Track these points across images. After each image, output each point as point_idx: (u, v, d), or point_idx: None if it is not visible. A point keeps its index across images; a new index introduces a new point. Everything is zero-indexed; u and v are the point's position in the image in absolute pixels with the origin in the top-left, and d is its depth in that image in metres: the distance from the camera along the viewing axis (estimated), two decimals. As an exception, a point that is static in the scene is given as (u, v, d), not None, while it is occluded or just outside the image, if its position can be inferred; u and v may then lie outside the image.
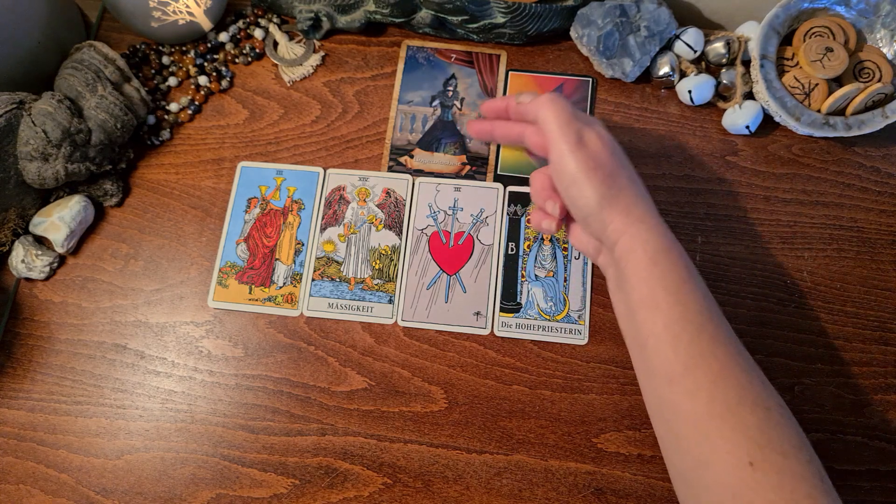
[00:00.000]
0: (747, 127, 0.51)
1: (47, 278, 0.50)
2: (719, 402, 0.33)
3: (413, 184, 0.52)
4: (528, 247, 0.50)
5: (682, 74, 0.53)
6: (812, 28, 0.50)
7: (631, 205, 0.38)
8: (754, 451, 0.32)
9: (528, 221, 0.50)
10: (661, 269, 0.37)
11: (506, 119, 0.45)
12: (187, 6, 0.51)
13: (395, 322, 0.48)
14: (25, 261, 0.49)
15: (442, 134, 0.53)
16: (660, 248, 0.37)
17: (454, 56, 0.56)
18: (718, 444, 0.33)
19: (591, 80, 0.54)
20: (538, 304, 0.48)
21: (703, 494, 0.33)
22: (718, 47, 0.52)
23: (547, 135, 0.40)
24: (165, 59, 0.56)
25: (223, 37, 0.56)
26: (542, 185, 0.43)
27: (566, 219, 0.44)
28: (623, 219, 0.38)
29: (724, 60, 0.52)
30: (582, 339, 0.48)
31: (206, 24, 0.55)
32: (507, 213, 0.51)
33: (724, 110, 0.52)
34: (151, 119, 0.54)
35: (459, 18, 0.53)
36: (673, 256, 0.37)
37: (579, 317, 0.48)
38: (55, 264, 0.50)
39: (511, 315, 0.48)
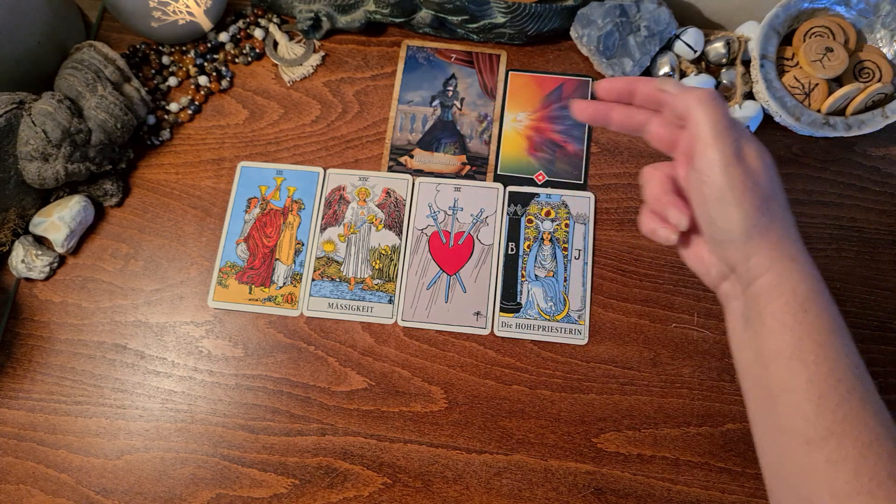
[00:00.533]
0: (747, 127, 0.51)
1: (47, 278, 0.50)
2: (867, 477, 0.30)
3: (413, 184, 0.52)
4: (528, 247, 0.50)
5: (682, 74, 0.53)
6: (812, 28, 0.50)
7: (783, 238, 0.34)
8: None
9: (530, 221, 0.50)
10: (812, 318, 0.32)
11: (626, 103, 0.39)
12: (187, 6, 0.51)
13: (395, 322, 0.48)
14: (25, 261, 0.49)
15: (442, 134, 0.53)
16: (811, 294, 0.33)
17: (454, 56, 0.56)
18: None
19: (591, 80, 0.54)
20: (538, 304, 0.48)
21: None
22: (718, 47, 0.52)
23: (698, 138, 0.34)
24: (165, 59, 0.56)
25: (223, 37, 0.56)
26: (663, 186, 0.38)
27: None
28: (771, 254, 0.33)
29: (724, 60, 0.52)
30: (582, 339, 0.48)
31: (206, 24, 0.55)
32: (507, 213, 0.51)
33: (724, 110, 0.52)
34: (151, 119, 0.54)
35: (459, 18, 0.53)
36: (824, 304, 0.33)
37: (579, 317, 0.48)
38: (55, 264, 0.50)
39: (511, 315, 0.48)
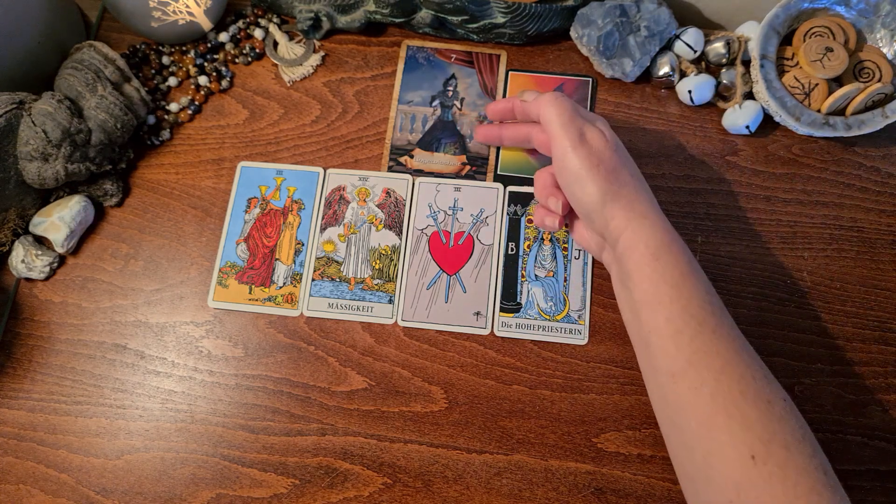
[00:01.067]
0: (747, 127, 0.51)
1: (47, 278, 0.50)
2: (722, 397, 0.33)
3: (413, 184, 0.52)
4: (528, 247, 0.50)
5: (682, 74, 0.53)
6: (812, 28, 0.50)
7: (633, 201, 0.39)
8: (757, 445, 0.32)
9: (530, 221, 0.50)
10: (663, 265, 0.37)
11: (512, 120, 0.46)
12: (187, 6, 0.51)
13: (395, 322, 0.48)
14: (25, 261, 0.49)
15: (442, 134, 0.53)
16: (661, 244, 0.37)
17: (454, 56, 0.56)
18: (722, 438, 0.33)
19: (591, 80, 0.54)
20: (538, 304, 0.48)
21: (707, 489, 0.34)
22: (718, 47, 0.52)
23: (549, 133, 0.41)
24: (165, 59, 0.56)
25: (223, 37, 0.56)
26: (545, 182, 0.44)
27: (569, 217, 0.44)
28: (625, 214, 0.38)
29: (724, 60, 0.52)
30: (582, 339, 0.48)
31: (206, 24, 0.55)
32: (507, 213, 0.51)
33: (724, 110, 0.52)
34: (151, 119, 0.54)
35: (459, 18, 0.53)
36: (675, 251, 0.37)
37: (579, 317, 0.48)
38: (55, 264, 0.50)
39: (511, 315, 0.48)
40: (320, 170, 0.53)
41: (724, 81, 0.52)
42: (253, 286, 0.50)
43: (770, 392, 0.34)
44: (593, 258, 0.49)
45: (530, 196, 0.51)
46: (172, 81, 0.55)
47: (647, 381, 0.39)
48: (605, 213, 0.39)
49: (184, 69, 0.55)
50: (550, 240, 0.50)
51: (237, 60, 0.56)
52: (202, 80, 0.55)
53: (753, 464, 0.31)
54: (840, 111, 0.50)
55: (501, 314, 0.48)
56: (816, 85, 0.50)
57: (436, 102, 0.54)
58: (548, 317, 0.48)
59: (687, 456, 0.35)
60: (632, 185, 0.39)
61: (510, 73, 0.55)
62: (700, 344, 0.35)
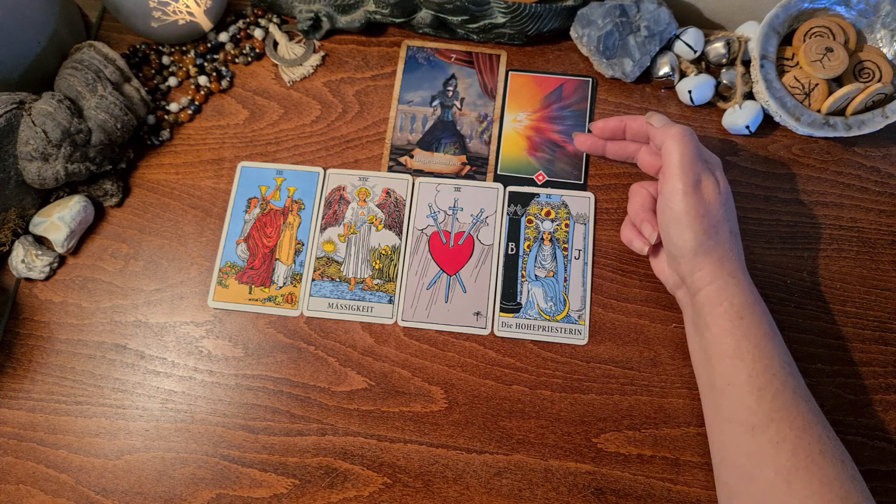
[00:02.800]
0: (747, 127, 0.51)
1: (47, 278, 0.50)
2: (803, 454, 0.35)
3: (413, 184, 0.52)
4: (528, 247, 0.50)
5: (682, 74, 0.53)
6: (812, 28, 0.50)
7: (724, 258, 0.40)
8: (836, 501, 0.34)
9: (530, 221, 0.50)
10: (747, 324, 0.38)
11: (619, 139, 0.47)
12: (187, 6, 0.51)
13: (395, 322, 0.48)
14: (25, 261, 0.49)
15: (442, 134, 0.53)
16: (746, 304, 0.39)
17: (454, 56, 0.56)
18: (801, 492, 0.34)
19: (591, 80, 0.54)
20: (538, 304, 0.48)
21: None
22: (718, 47, 0.52)
23: (666, 166, 0.41)
24: (165, 59, 0.56)
25: (223, 37, 0.56)
26: (643, 203, 0.45)
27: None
28: (713, 270, 0.39)
29: (724, 60, 0.52)
30: (582, 339, 0.48)
31: (206, 24, 0.55)
32: (507, 213, 0.51)
33: (724, 110, 0.52)
34: (151, 119, 0.54)
35: (459, 18, 0.53)
36: (757, 312, 0.39)
37: (579, 317, 0.48)
38: (55, 264, 0.50)
39: (511, 315, 0.48)
40: (320, 170, 0.53)
41: (724, 81, 0.52)
42: (253, 286, 0.50)
43: (842, 453, 0.36)
44: (593, 258, 0.49)
45: (530, 196, 0.51)
46: (172, 81, 0.55)
47: (714, 426, 0.40)
48: (694, 262, 0.40)
49: (184, 69, 0.55)
50: (550, 240, 0.50)
51: (237, 60, 0.56)
52: (202, 80, 0.55)
53: None
54: (840, 111, 0.50)
55: (501, 314, 0.48)
56: (816, 85, 0.50)
57: (436, 102, 0.54)
58: (548, 317, 0.48)
59: (747, 502, 0.37)
60: (728, 242, 0.40)
61: (510, 73, 0.55)
62: (782, 403, 0.36)
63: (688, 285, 0.41)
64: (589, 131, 0.51)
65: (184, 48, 0.56)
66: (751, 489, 0.36)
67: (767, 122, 0.52)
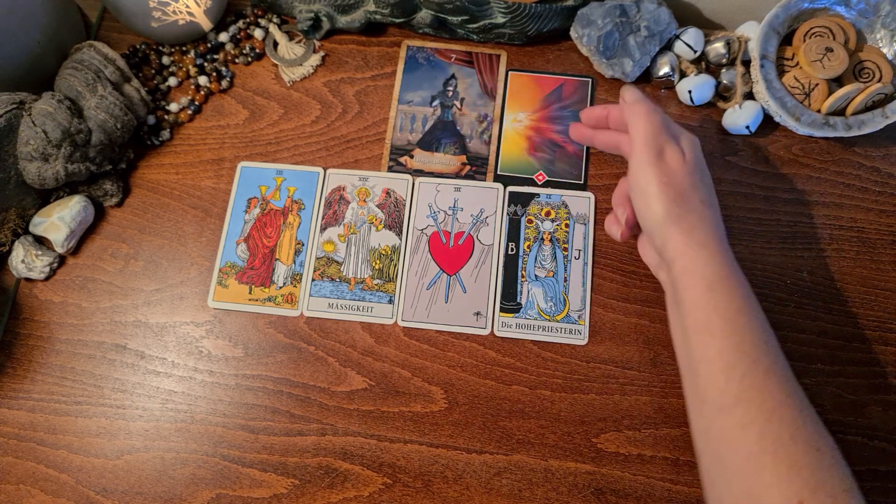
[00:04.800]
0: (747, 127, 0.51)
1: (47, 278, 0.50)
2: (771, 438, 0.33)
3: (413, 184, 0.52)
4: (528, 247, 0.50)
5: (682, 74, 0.53)
6: (812, 28, 0.50)
7: (696, 227, 0.38)
8: (804, 491, 0.32)
9: (530, 221, 0.50)
10: (717, 297, 0.37)
11: (604, 127, 0.46)
12: (187, 6, 0.51)
13: (395, 322, 0.48)
14: (25, 261, 0.49)
15: (442, 134, 0.53)
16: (717, 276, 0.37)
17: (454, 56, 0.56)
18: (769, 479, 0.33)
19: (591, 80, 0.54)
20: (538, 304, 0.48)
21: None
22: (718, 47, 0.52)
23: (632, 142, 0.40)
24: (165, 59, 0.56)
25: (223, 37, 0.56)
26: (624, 192, 0.44)
27: (637, 229, 0.44)
28: (684, 240, 0.38)
29: (724, 60, 0.52)
30: (582, 339, 0.48)
31: (206, 24, 0.55)
32: (507, 213, 0.51)
33: (724, 110, 0.52)
34: (151, 119, 0.54)
35: (459, 18, 0.53)
36: (731, 284, 0.37)
37: (579, 317, 0.48)
38: (55, 264, 0.50)
39: (511, 315, 0.48)
40: (320, 170, 0.53)
41: (724, 81, 0.52)
42: (253, 286, 0.50)
43: (819, 439, 0.34)
44: (593, 258, 0.49)
45: (530, 196, 0.51)
46: (172, 81, 0.55)
47: (691, 409, 0.39)
48: (664, 234, 0.39)
49: (184, 69, 0.55)
50: (550, 240, 0.50)
51: (237, 60, 0.56)
52: (202, 80, 0.55)
53: None
54: (840, 111, 0.50)
55: (501, 314, 0.48)
56: (816, 85, 0.50)
57: (436, 102, 0.54)
58: (548, 317, 0.48)
59: (725, 489, 0.35)
60: (699, 211, 0.39)
61: (510, 73, 0.55)
62: (752, 382, 0.35)
63: (664, 260, 0.40)
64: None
65: (184, 48, 0.56)
66: (725, 474, 0.35)
67: (767, 122, 0.52)
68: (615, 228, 0.45)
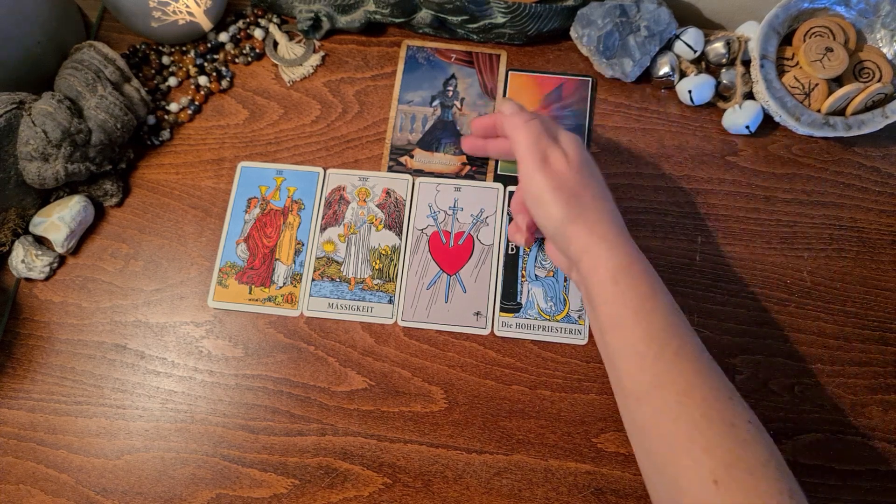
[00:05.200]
0: (747, 127, 0.51)
1: (47, 278, 0.50)
2: (684, 421, 0.33)
3: (413, 184, 0.52)
4: (529, 247, 0.50)
5: (682, 74, 0.53)
6: (812, 28, 0.50)
7: (594, 223, 0.39)
8: (719, 469, 0.31)
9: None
10: (622, 288, 0.37)
11: (495, 136, 0.46)
12: (187, 6, 0.51)
13: (395, 322, 0.48)
14: (25, 261, 0.49)
15: (442, 134, 0.53)
16: (620, 267, 0.37)
17: (454, 56, 0.56)
18: (685, 462, 0.32)
19: (591, 80, 0.54)
20: (538, 304, 0.48)
21: None
22: (718, 47, 0.52)
23: (516, 154, 0.41)
24: (165, 59, 0.56)
25: (223, 37, 0.56)
26: (519, 199, 0.45)
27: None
28: (585, 237, 0.38)
29: (724, 60, 0.52)
30: (582, 339, 0.48)
31: (206, 24, 0.55)
32: (508, 213, 0.51)
33: (724, 110, 0.52)
34: (151, 119, 0.54)
35: (459, 18, 0.53)
36: (634, 273, 0.37)
37: (579, 317, 0.48)
38: (55, 264, 0.50)
39: (511, 315, 0.48)
40: (320, 170, 0.53)
41: (724, 81, 0.52)
42: (253, 286, 0.50)
43: (734, 415, 0.33)
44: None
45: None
46: (172, 81, 0.55)
47: (619, 403, 0.39)
48: (566, 235, 0.39)
49: (184, 69, 0.55)
50: (550, 240, 0.50)
51: (237, 60, 0.56)
52: (202, 80, 0.55)
53: (716, 489, 0.31)
54: (840, 111, 0.50)
55: (501, 314, 0.48)
56: (816, 85, 0.50)
57: (436, 102, 0.54)
58: (548, 317, 0.48)
59: (658, 479, 0.35)
60: (593, 207, 0.39)
61: (510, 72, 0.55)
62: (662, 366, 0.35)
63: (571, 260, 0.40)
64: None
65: (184, 48, 0.56)
66: (654, 463, 0.35)
67: (767, 122, 0.52)
68: (519, 236, 0.46)
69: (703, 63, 0.54)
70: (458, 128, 0.54)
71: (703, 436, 0.32)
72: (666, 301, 0.37)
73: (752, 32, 0.51)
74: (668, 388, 0.34)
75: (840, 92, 0.48)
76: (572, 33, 0.54)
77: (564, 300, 0.48)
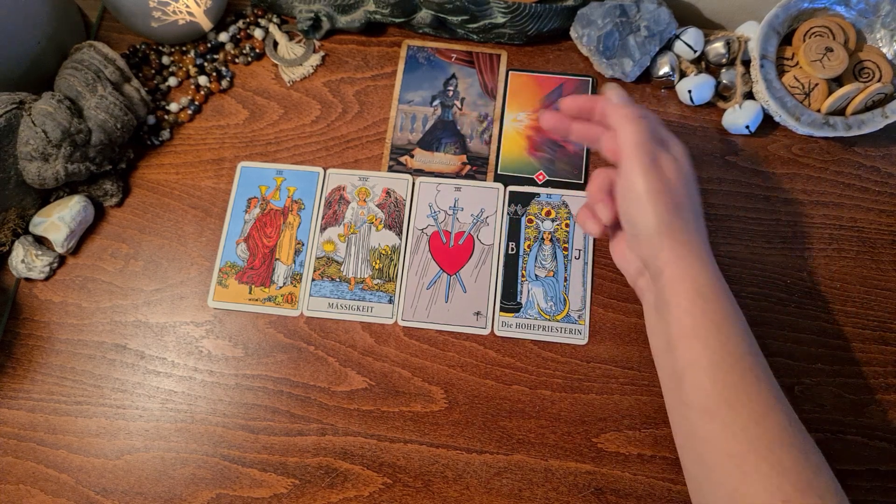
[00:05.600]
0: (747, 127, 0.51)
1: (47, 278, 0.50)
2: (758, 441, 0.33)
3: (413, 184, 0.52)
4: (529, 247, 0.50)
5: (682, 74, 0.53)
6: (812, 28, 0.50)
7: (689, 238, 0.38)
8: (791, 492, 0.32)
9: (530, 221, 0.50)
10: (708, 303, 0.37)
11: (586, 119, 0.43)
12: (187, 6, 0.51)
13: (395, 322, 0.48)
14: (25, 261, 0.49)
15: (442, 134, 0.53)
16: (708, 284, 0.37)
17: (454, 56, 0.56)
18: (755, 479, 0.33)
19: (591, 80, 0.54)
20: (538, 304, 0.48)
21: None
22: (718, 47, 0.52)
23: (621, 147, 0.39)
24: (165, 59, 0.56)
25: (223, 37, 0.56)
26: (601, 185, 0.42)
27: (611, 230, 0.43)
28: (677, 250, 0.38)
29: (724, 60, 0.52)
30: (582, 339, 0.48)
31: (206, 24, 0.55)
32: (508, 213, 0.51)
33: (724, 110, 0.52)
34: (151, 119, 0.54)
35: (459, 18, 0.53)
36: (718, 290, 0.37)
37: (579, 317, 0.48)
38: (55, 264, 0.50)
39: (511, 315, 0.48)
40: (320, 170, 0.53)
41: (724, 81, 0.52)
42: (253, 286, 0.50)
43: (805, 442, 0.34)
44: (594, 258, 0.49)
45: (531, 196, 0.51)
46: (172, 81, 0.55)
47: (674, 414, 0.39)
48: (656, 243, 0.38)
49: (184, 69, 0.55)
50: (551, 240, 0.50)
51: (237, 60, 0.56)
52: (202, 80, 0.55)
53: None
54: (840, 111, 0.50)
55: (501, 314, 0.48)
56: (816, 85, 0.50)
57: (436, 102, 0.54)
58: (548, 317, 0.48)
59: (711, 491, 0.35)
60: (692, 223, 0.39)
61: (510, 72, 0.55)
62: (737, 382, 0.35)
63: (650, 268, 0.39)
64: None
65: (184, 48, 0.56)
66: (710, 476, 0.35)
67: (767, 122, 0.52)
68: (592, 224, 0.43)
69: (702, 63, 0.54)
70: (459, 128, 0.54)
71: (776, 457, 0.33)
72: (743, 322, 0.38)
73: (752, 32, 0.51)
74: (744, 406, 0.34)
75: (840, 92, 0.48)
76: (572, 33, 0.54)
77: (564, 300, 0.48)
